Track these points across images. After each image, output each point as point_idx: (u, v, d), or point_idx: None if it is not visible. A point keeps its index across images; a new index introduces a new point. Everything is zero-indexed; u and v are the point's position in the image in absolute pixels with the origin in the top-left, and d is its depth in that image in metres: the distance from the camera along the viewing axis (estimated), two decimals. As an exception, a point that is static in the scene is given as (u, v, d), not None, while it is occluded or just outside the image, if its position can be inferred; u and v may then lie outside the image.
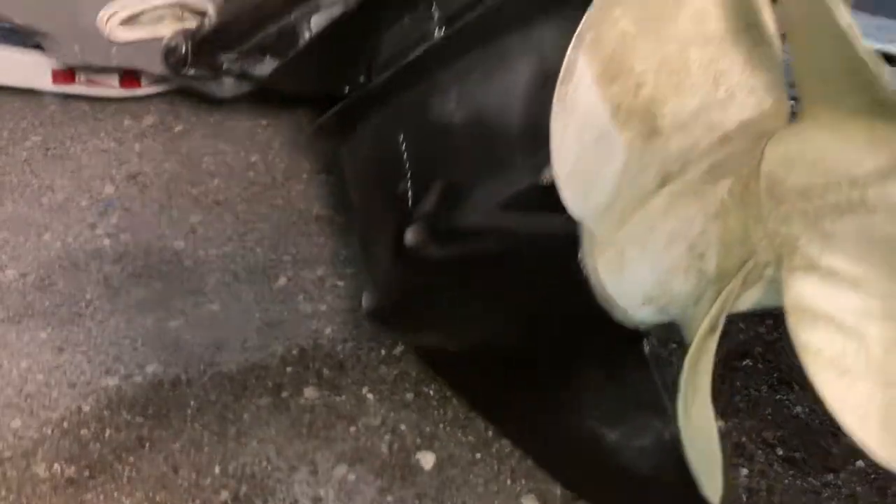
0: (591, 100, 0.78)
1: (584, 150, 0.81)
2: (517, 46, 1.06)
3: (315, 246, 2.42)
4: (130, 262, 2.23)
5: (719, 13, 0.82)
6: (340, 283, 2.13)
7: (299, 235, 2.46)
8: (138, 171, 2.66)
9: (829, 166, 0.76)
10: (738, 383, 1.73)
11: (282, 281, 2.28)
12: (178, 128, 2.70)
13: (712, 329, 0.85)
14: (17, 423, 1.69)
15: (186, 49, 1.38)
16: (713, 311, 0.84)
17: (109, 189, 2.55)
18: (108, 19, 1.43)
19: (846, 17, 0.64)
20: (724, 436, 1.24)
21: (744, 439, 1.62)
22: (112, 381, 1.81)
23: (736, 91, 0.83)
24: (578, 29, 0.78)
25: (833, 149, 0.75)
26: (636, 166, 0.83)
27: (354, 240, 2.02)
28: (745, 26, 0.82)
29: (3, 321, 1.92)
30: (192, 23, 1.49)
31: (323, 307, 2.13)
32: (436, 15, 1.05)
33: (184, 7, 1.47)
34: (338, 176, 2.07)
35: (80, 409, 1.74)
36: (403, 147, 1.15)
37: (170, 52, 1.42)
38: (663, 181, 0.85)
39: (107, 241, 2.32)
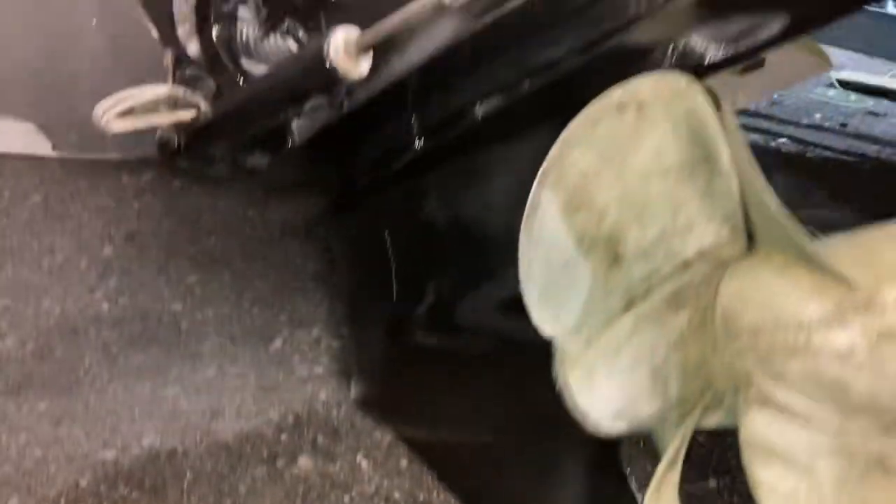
0: (557, 230, 0.82)
1: (552, 275, 0.84)
2: (495, 162, 1.10)
3: (311, 304, 2.44)
4: (129, 326, 2.25)
5: (677, 147, 0.85)
6: (335, 344, 2.15)
7: (296, 293, 2.48)
8: (136, 231, 2.68)
9: (778, 308, 0.79)
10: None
11: (277, 343, 2.30)
12: (177, 184, 2.72)
13: (672, 463, 0.87)
14: (14, 502, 1.71)
15: (179, 142, 1.43)
16: (672, 447, 0.86)
17: (108, 250, 2.57)
18: (104, 113, 1.47)
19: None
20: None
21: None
22: (109, 454, 1.83)
23: (695, 220, 0.86)
24: (542, 166, 0.81)
25: (781, 292, 0.78)
26: (602, 291, 0.86)
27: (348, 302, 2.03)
28: (703, 158, 0.86)
29: (3, 393, 1.94)
30: (185, 112, 1.53)
31: (318, 369, 2.15)
32: (415, 126, 1.10)
33: (179, 92, 1.51)
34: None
35: (77, 484, 1.76)
36: (389, 244, 1.19)
37: (163, 145, 1.46)
38: (628, 305, 0.88)
39: (105, 306, 2.33)
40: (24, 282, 2.39)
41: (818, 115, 5.29)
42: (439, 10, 0.99)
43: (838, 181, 4.31)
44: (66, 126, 1.54)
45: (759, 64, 2.17)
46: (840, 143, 4.87)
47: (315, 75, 1.12)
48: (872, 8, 4.63)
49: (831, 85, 5.43)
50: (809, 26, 0.93)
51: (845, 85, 5.29)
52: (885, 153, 4.99)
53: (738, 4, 0.90)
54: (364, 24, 1.23)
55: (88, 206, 2.70)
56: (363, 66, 1.12)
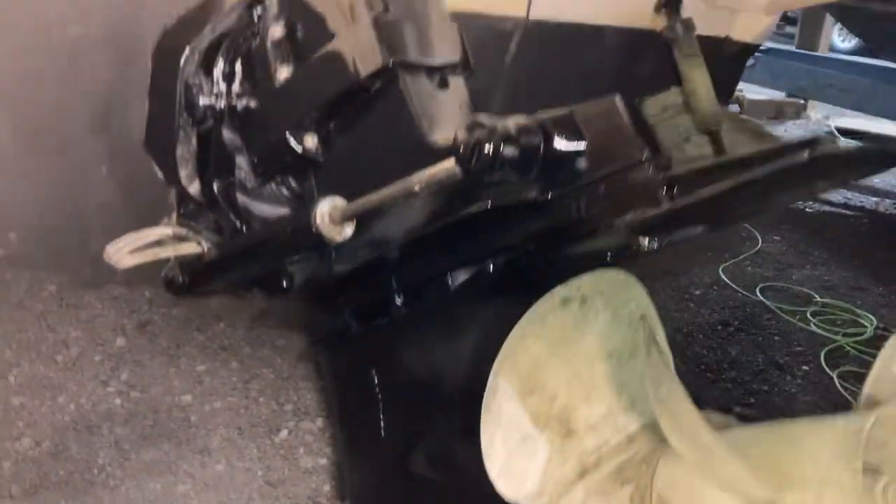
0: (514, 411, 0.92)
1: (512, 450, 0.94)
2: (463, 323, 1.22)
3: (316, 391, 2.53)
4: (140, 421, 2.33)
5: (618, 333, 0.96)
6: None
7: (301, 380, 2.57)
8: (148, 320, 2.78)
9: (701, 501, 0.88)
10: None
11: (283, 433, 2.38)
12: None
13: None
14: None
15: (183, 280, 1.55)
16: None
17: (121, 341, 2.67)
18: (114, 253, 1.59)
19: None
20: None
21: None
22: (124, 555, 1.91)
23: (636, 398, 0.96)
24: (498, 357, 0.92)
25: (702, 486, 0.88)
26: (557, 460, 0.96)
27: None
28: (644, 342, 0.96)
29: (20, 496, 2.03)
30: (188, 246, 1.65)
31: (322, 461, 2.23)
32: (394, 284, 1.21)
33: (182, 232, 1.63)
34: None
35: (94, 586, 1.84)
36: (376, 381, 1.30)
37: (169, 283, 1.58)
38: (581, 474, 0.98)
39: (118, 401, 2.42)
40: (40, 378, 2.49)
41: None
42: (412, 194, 1.10)
43: (837, 237, 4.36)
44: (78, 262, 1.67)
45: (735, 164, 2.28)
46: (838, 195, 4.91)
47: (303, 236, 1.23)
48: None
49: (830, 133, 5.48)
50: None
51: (844, 133, 5.33)
52: (885, 205, 5.02)
53: None
54: (345, 182, 1.36)
55: (102, 296, 2.80)
56: (346, 232, 1.23)
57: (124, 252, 1.57)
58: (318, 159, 1.36)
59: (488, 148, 0.94)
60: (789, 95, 5.91)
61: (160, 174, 1.63)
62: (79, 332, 2.62)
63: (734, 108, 5.47)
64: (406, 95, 1.19)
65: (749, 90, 5.80)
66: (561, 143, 1.00)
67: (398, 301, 1.24)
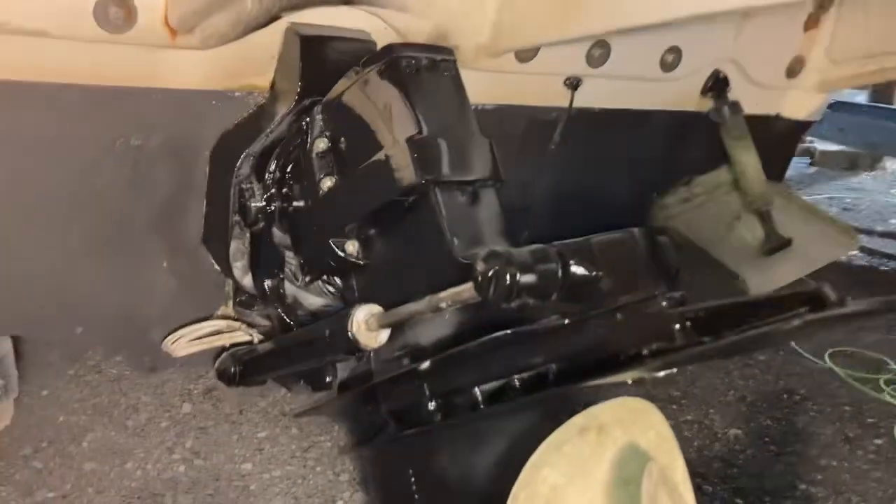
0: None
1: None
2: (491, 434, 1.26)
3: (370, 462, 2.56)
4: (202, 490, 2.40)
5: (636, 460, 0.98)
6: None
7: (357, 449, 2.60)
8: (214, 386, 2.87)
9: None
10: None
11: (339, 504, 2.42)
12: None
13: None
14: None
15: (234, 371, 1.63)
16: None
17: (187, 407, 2.76)
18: (173, 342, 1.69)
19: None
20: None
21: None
22: None
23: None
24: (516, 485, 0.95)
25: None
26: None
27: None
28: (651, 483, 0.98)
29: (85, 569, 2.11)
30: (240, 335, 1.74)
31: (375, 536, 2.25)
32: (426, 392, 1.27)
33: (235, 325, 1.72)
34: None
35: None
36: (413, 482, 1.35)
37: (221, 374, 1.67)
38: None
39: (182, 468, 2.50)
40: (111, 444, 2.59)
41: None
42: (439, 310, 1.15)
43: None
44: (139, 353, 1.78)
45: (786, 244, 2.27)
46: (914, 253, 4.69)
47: (340, 342, 1.30)
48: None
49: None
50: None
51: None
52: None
53: None
54: (386, 285, 1.42)
55: (171, 361, 2.92)
56: (381, 338, 1.29)
57: (181, 343, 1.66)
58: (360, 263, 1.42)
59: (505, 278, 0.98)
60: (862, 149, 5.74)
61: (217, 267, 1.72)
62: (149, 398, 2.71)
63: (804, 160, 5.32)
64: (436, 210, 1.25)
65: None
66: (578, 270, 1.03)
67: (431, 407, 1.28)
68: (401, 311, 1.21)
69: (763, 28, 2.08)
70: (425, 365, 1.19)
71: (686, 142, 2.24)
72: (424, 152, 1.26)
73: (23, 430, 2.32)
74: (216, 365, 1.62)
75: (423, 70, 1.32)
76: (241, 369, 1.58)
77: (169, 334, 1.70)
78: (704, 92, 2.14)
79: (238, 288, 1.74)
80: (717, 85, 2.13)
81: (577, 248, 1.02)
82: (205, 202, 1.66)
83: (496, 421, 1.22)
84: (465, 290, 1.05)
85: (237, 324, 1.64)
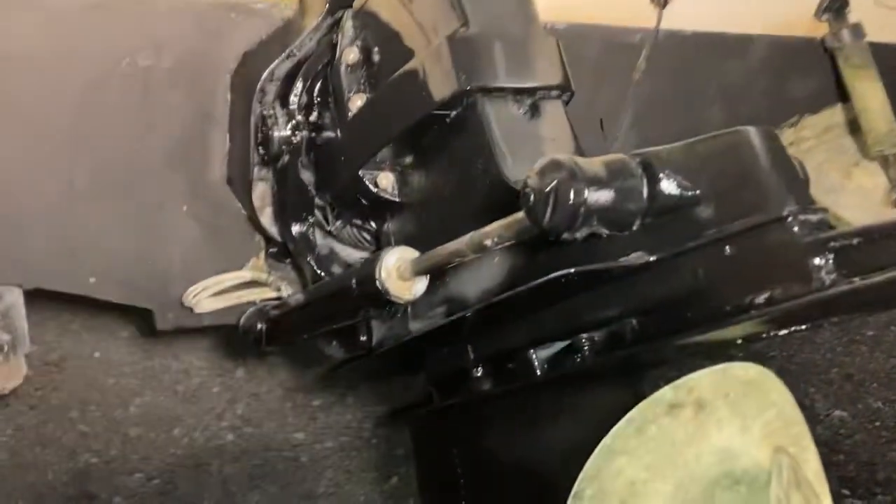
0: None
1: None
2: (549, 408, 1.00)
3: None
4: (250, 459, 2.26)
5: (750, 453, 0.70)
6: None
7: (417, 422, 2.40)
8: (270, 350, 2.71)
9: None
10: None
11: (393, 480, 2.24)
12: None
13: None
14: None
15: (261, 329, 1.41)
16: None
17: (241, 372, 2.61)
18: (193, 297, 1.48)
19: None
20: None
21: None
22: None
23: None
24: (580, 478, 0.69)
25: None
26: None
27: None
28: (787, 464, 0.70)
29: (127, 536, 1.98)
30: (268, 290, 1.51)
31: (432, 514, 2.04)
32: (471, 356, 1.02)
33: (262, 278, 1.50)
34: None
35: None
36: (457, 461, 1.11)
37: (247, 332, 1.45)
38: None
39: (231, 436, 2.36)
40: (159, 409, 2.46)
41: None
42: (484, 249, 0.89)
43: None
44: (161, 307, 1.57)
45: None
46: None
47: (368, 293, 1.06)
48: None
49: None
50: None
51: None
52: None
53: None
54: (427, 227, 1.17)
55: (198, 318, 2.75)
56: (417, 289, 1.04)
57: (203, 297, 1.44)
58: (395, 200, 1.17)
59: (569, 196, 0.71)
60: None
61: (244, 212, 1.50)
62: (202, 362, 2.58)
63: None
64: (484, 125, 0.98)
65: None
66: (670, 188, 0.75)
67: (477, 374, 1.03)
68: (438, 254, 0.96)
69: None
70: (465, 316, 0.93)
71: (794, 74, 1.91)
72: (470, 52, 1.00)
73: (71, 392, 2.21)
74: (241, 321, 1.40)
75: (470, -42, 1.05)
76: (269, 327, 1.36)
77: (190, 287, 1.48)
78: (819, 13, 1.80)
79: (269, 237, 1.51)
80: (834, 4, 1.78)
81: (669, 156, 0.74)
82: (227, 134, 1.43)
83: (557, 392, 0.95)
84: (516, 219, 0.78)
85: (266, 275, 1.41)
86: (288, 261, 1.57)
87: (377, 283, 1.03)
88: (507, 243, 0.86)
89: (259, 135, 1.35)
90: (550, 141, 1.02)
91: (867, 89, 1.83)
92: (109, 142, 1.40)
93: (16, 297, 1.54)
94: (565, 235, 0.73)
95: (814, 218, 0.70)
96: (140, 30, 1.33)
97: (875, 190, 1.91)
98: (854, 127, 2.01)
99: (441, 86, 1.03)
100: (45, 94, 1.32)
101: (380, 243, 1.31)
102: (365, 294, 1.08)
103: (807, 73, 1.93)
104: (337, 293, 1.16)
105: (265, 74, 1.33)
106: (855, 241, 0.65)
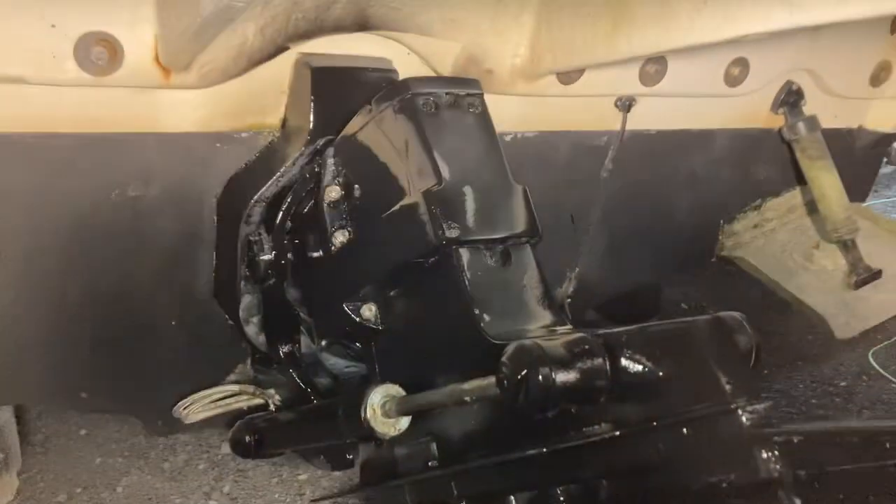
0: None
1: None
2: None
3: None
4: (238, 542, 2.24)
5: None
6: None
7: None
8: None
9: None
10: None
11: (380, 558, 2.24)
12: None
13: None
14: None
15: (250, 441, 1.46)
16: None
17: (226, 448, 2.61)
18: (184, 409, 1.53)
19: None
20: None
21: None
22: None
23: None
24: None
25: None
26: None
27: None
28: None
29: None
30: (255, 399, 1.56)
31: None
32: (455, 492, 1.07)
33: (249, 389, 1.55)
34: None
35: None
36: None
37: (236, 444, 1.50)
38: None
39: (218, 517, 2.35)
40: (147, 488, 2.45)
41: None
42: (463, 403, 0.96)
43: None
44: (152, 416, 1.62)
45: (876, 276, 2.00)
46: None
47: (355, 427, 1.11)
48: None
49: None
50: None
51: None
52: None
53: None
54: (408, 356, 1.23)
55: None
56: (401, 425, 1.10)
57: (194, 409, 1.49)
58: (378, 328, 1.23)
59: (537, 381, 0.77)
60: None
61: (230, 323, 1.55)
62: (187, 437, 2.57)
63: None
64: (459, 277, 1.05)
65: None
66: (632, 366, 0.82)
67: (454, 508, 1.09)
68: (421, 400, 1.02)
69: (843, 33, 1.82)
70: (455, 456, 0.99)
71: (755, 162, 2.00)
72: (443, 207, 1.06)
73: (58, 472, 2.20)
74: (230, 435, 1.45)
75: (443, 108, 1.12)
76: (258, 439, 1.41)
77: (179, 400, 1.53)
78: (776, 107, 1.89)
79: (254, 349, 1.57)
80: (790, 98, 1.87)
81: (629, 337, 0.81)
82: (214, 254, 1.49)
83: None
84: (488, 385, 0.85)
85: (250, 388, 1.46)
86: (274, 367, 1.62)
87: (363, 421, 1.09)
88: (482, 401, 0.92)
89: (246, 257, 1.41)
90: (521, 287, 1.09)
91: (824, 179, 1.92)
92: (101, 265, 1.46)
93: (8, 417, 1.58)
94: (538, 414, 0.80)
95: (760, 408, 0.76)
96: (130, 163, 1.39)
97: (836, 272, 1.99)
98: (813, 207, 2.10)
99: (418, 237, 1.10)
100: (40, 226, 1.38)
101: (364, 360, 1.37)
102: (350, 426, 1.13)
103: (767, 160, 2.02)
104: (324, 419, 1.22)
105: (252, 200, 1.39)
106: (796, 438, 0.72)
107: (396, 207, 1.14)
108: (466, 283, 1.05)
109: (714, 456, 0.77)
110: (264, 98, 1.43)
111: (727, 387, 0.78)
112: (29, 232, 1.39)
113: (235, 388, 1.48)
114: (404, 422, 1.10)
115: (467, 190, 1.10)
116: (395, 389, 1.10)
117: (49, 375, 1.50)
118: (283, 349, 1.39)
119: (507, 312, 1.03)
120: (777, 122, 1.97)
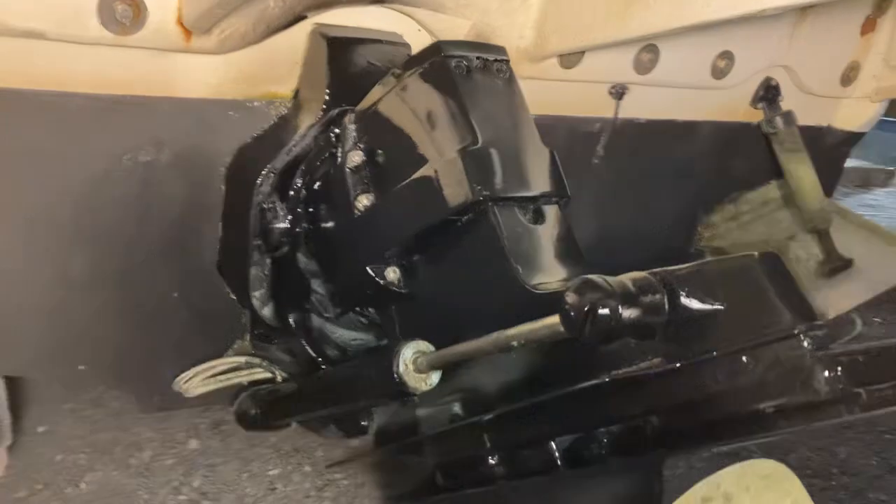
0: None
1: None
2: (574, 499, 1.07)
3: None
4: (210, 538, 2.21)
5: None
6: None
7: (377, 488, 2.42)
8: (222, 420, 2.68)
9: None
10: None
11: (357, 556, 2.23)
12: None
13: None
14: None
15: (255, 413, 1.45)
16: None
17: (194, 443, 2.57)
18: (186, 381, 1.51)
19: None
20: None
21: None
22: None
23: None
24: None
25: None
26: None
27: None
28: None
29: None
30: (259, 372, 1.55)
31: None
32: (488, 444, 1.08)
33: (256, 361, 1.54)
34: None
35: None
36: None
37: (240, 416, 1.48)
38: None
39: (188, 512, 2.30)
40: (112, 485, 2.39)
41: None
42: (507, 349, 0.97)
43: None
44: (148, 391, 1.59)
45: (847, 265, 2.10)
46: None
47: (384, 384, 1.12)
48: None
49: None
50: None
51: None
52: None
53: None
54: (433, 317, 1.24)
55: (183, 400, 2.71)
56: (432, 381, 1.11)
57: (195, 382, 1.48)
58: (402, 291, 1.25)
59: (605, 313, 0.80)
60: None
61: (233, 297, 1.54)
62: (152, 433, 2.53)
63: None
64: (496, 232, 1.07)
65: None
66: (691, 303, 0.85)
67: (492, 462, 1.10)
68: (458, 350, 1.03)
69: (818, 30, 1.92)
70: (488, 408, 1.01)
71: (734, 155, 2.08)
72: (480, 165, 1.09)
73: (18, 470, 2.14)
74: (234, 407, 1.44)
75: (474, 71, 1.14)
76: (263, 411, 1.40)
77: (181, 372, 1.51)
78: (755, 101, 1.98)
79: (256, 320, 1.56)
80: (768, 94, 1.96)
81: (688, 275, 0.84)
82: (220, 224, 1.48)
83: (578, 484, 1.03)
84: (547, 326, 0.87)
85: (257, 360, 1.45)
86: (275, 342, 1.61)
87: (395, 376, 1.09)
88: (532, 345, 0.94)
89: (258, 226, 1.40)
90: (554, 244, 1.12)
91: (800, 171, 2.01)
92: (106, 233, 1.43)
93: (-1, 390, 1.53)
94: (600, 345, 0.82)
95: (821, 333, 0.81)
96: (143, 128, 1.37)
97: (808, 261, 2.08)
98: (788, 201, 2.19)
99: (455, 194, 1.12)
100: (47, 189, 1.35)
101: (384, 329, 1.38)
102: (379, 385, 1.14)
103: (745, 154, 2.10)
104: (347, 382, 1.22)
105: (265, 169, 1.39)
106: (860, 356, 0.76)
107: (428, 168, 1.16)
108: (503, 238, 1.07)
109: (776, 380, 0.80)
110: (278, 67, 1.44)
111: (787, 313, 0.82)
112: (36, 194, 1.36)
113: (241, 359, 1.47)
114: (435, 377, 1.11)
115: (501, 150, 1.13)
116: (425, 345, 1.12)
117: (49, 346, 1.46)
118: (294, 317, 1.39)
119: (542, 267, 1.06)
120: (755, 116, 2.05)
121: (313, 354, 1.40)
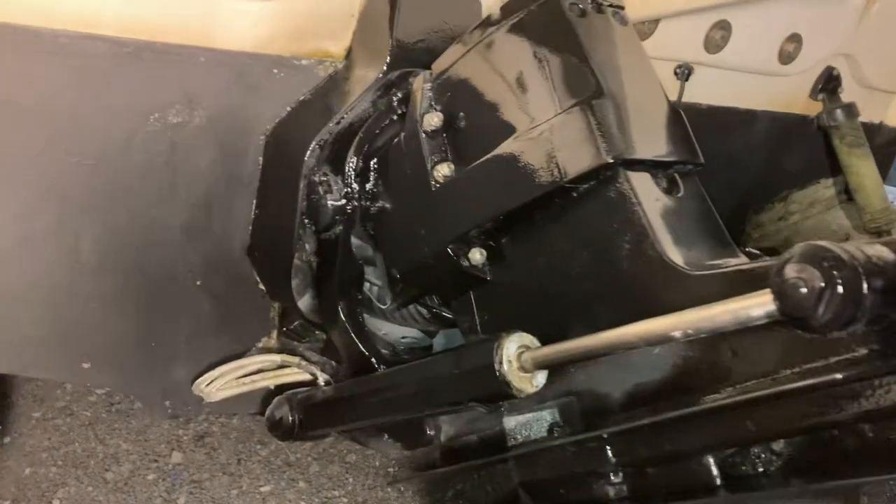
0: None
1: None
2: None
3: (395, 520, 2.23)
4: (200, 562, 2.03)
5: None
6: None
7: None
8: (206, 431, 2.50)
9: None
10: None
11: (361, 575, 2.06)
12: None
13: None
14: None
15: (294, 421, 1.23)
16: None
17: (177, 457, 2.39)
18: (208, 384, 1.29)
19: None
20: None
21: None
22: None
23: None
24: None
25: None
26: None
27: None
28: None
29: None
30: (291, 375, 1.34)
31: None
32: (610, 457, 0.90)
33: (293, 361, 1.33)
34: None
35: None
36: None
37: (275, 425, 1.27)
38: None
39: (174, 533, 2.12)
40: (88, 501, 2.22)
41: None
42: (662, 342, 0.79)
43: None
44: (160, 395, 1.37)
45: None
46: None
47: (482, 385, 0.92)
48: None
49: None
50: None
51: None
52: None
53: None
54: (526, 307, 1.06)
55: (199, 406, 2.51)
56: (538, 381, 0.92)
57: (218, 384, 1.26)
58: (486, 278, 1.06)
59: (852, 292, 0.61)
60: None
61: (261, 287, 1.33)
62: (130, 445, 2.34)
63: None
64: (630, 199, 0.89)
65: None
66: None
67: (614, 480, 0.91)
68: (579, 345, 0.84)
69: (885, 17, 1.79)
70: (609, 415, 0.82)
71: (789, 150, 1.94)
72: (607, 121, 0.90)
73: (-21, 487, 1.93)
74: (267, 413, 1.23)
75: (591, 15, 0.96)
76: (304, 418, 1.19)
77: (197, 373, 1.29)
78: (815, 93, 1.84)
79: (286, 314, 1.35)
80: (829, 84, 1.83)
81: None
82: (254, 201, 1.27)
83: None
84: (728, 310, 0.68)
85: (295, 359, 1.25)
86: (307, 340, 1.41)
87: (497, 374, 0.90)
88: (693, 338, 0.76)
89: (305, 202, 1.20)
90: (693, 218, 0.94)
91: (862, 167, 1.87)
92: (126, 207, 1.22)
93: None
94: (835, 333, 0.64)
95: None
96: (175, 83, 1.17)
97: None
98: (832, 203, 2.06)
99: (574, 158, 0.93)
100: (62, 151, 1.13)
101: (437, 323, 1.19)
102: (471, 386, 0.95)
103: (799, 149, 1.97)
104: (425, 382, 1.02)
105: (316, 138, 1.19)
106: None
107: (530, 130, 0.97)
108: (641, 207, 0.89)
109: None
110: (331, 21, 1.25)
111: None
112: (46, 157, 1.14)
113: (276, 358, 1.26)
114: (541, 377, 0.93)
115: (628, 105, 0.94)
116: (530, 339, 0.93)
117: (50, 338, 1.23)
118: (344, 307, 1.19)
119: (687, 244, 0.88)
120: (813, 109, 1.92)
121: (366, 353, 1.19)
